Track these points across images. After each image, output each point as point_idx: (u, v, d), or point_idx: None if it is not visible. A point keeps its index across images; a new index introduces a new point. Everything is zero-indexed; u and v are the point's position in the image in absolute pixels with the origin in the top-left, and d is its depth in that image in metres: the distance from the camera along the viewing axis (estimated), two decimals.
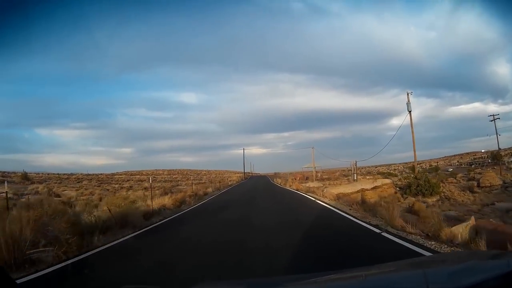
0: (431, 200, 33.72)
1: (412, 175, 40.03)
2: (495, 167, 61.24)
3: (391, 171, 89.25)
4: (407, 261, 3.21)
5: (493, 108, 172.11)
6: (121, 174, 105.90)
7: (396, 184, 43.03)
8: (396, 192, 36.14)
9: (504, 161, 74.20)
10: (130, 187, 55.10)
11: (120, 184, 65.49)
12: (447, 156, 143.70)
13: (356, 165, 53.24)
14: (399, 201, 31.46)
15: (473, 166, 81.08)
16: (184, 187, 54.30)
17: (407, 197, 34.06)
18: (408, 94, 36.39)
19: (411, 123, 35.83)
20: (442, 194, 36.62)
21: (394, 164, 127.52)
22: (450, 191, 38.01)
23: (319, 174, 76.34)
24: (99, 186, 57.58)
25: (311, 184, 43.19)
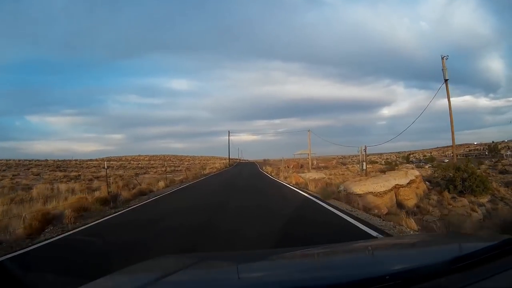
0: (482, 200, 23.14)
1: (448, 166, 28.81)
2: (492, 159, 60.23)
3: (384, 161, 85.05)
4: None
5: (484, 102, 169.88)
6: (98, 160, 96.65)
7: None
8: (429, 189, 25.40)
9: (502, 154, 75.87)
10: (78, 176, 43.66)
11: (77, 170, 54.83)
12: (440, 147, 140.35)
13: (366, 151, 42.92)
14: (449, 204, 20.87)
15: (469, 157, 74.02)
16: (152, 175, 45.51)
17: (454, 197, 23.17)
18: (443, 58, 27.03)
19: (448, 95, 26.49)
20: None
21: (386, 153, 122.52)
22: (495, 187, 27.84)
23: (314, 162, 66.19)
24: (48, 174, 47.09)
25: (311, 175, 32.52)
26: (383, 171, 30.81)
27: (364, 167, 39.83)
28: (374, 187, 17.68)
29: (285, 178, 28.56)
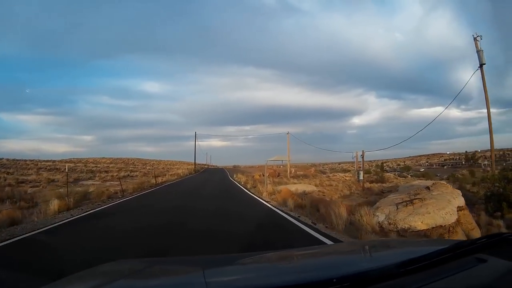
0: None
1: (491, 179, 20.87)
2: (472, 168, 58.22)
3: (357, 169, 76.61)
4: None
5: (455, 113, 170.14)
6: (56, 162, 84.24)
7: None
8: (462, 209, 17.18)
9: (480, 163, 76.00)
10: None
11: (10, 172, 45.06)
12: (413, 156, 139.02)
13: (363, 157, 35.08)
14: None
15: (445, 167, 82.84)
16: (95, 181, 38.11)
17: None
18: (476, 39, 22.07)
19: (484, 83, 21.63)
20: None
21: (359, 161, 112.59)
22: None
23: (292, 170, 58.15)
24: None
25: (297, 187, 25.38)
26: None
27: (361, 177, 32.05)
28: (441, 214, 9.88)
29: (270, 194, 19.40)
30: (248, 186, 26.98)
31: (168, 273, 2.06)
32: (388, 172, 71.46)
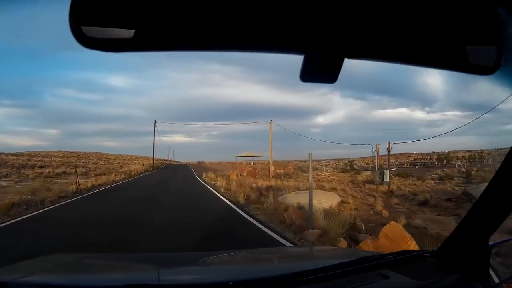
0: None
1: None
2: (444, 169, 61.59)
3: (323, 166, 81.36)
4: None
5: (420, 114, 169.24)
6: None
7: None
8: None
9: (454, 163, 75.47)
10: None
11: None
12: (380, 156, 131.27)
13: (389, 151, 26.20)
14: None
15: (417, 166, 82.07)
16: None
17: None
18: None
19: None
20: None
21: (323, 160, 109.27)
22: None
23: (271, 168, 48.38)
24: None
25: (320, 199, 15.91)
26: None
27: (387, 178, 22.68)
28: None
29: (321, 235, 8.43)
30: (241, 200, 14.97)
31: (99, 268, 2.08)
32: (357, 170, 70.06)
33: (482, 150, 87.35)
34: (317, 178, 42.37)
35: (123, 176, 29.80)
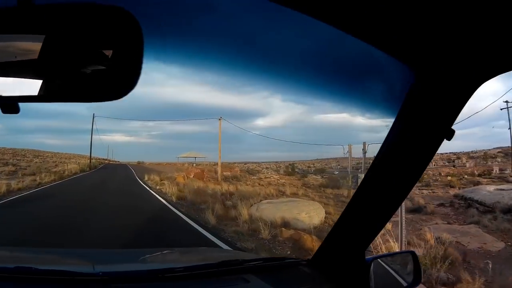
0: None
1: None
2: None
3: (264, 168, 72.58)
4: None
5: (360, 120, 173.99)
6: None
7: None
8: None
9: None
10: None
11: None
12: (320, 160, 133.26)
13: (365, 153, 24.62)
14: None
15: (360, 170, 69.38)
16: None
17: None
18: None
19: None
20: None
21: (264, 162, 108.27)
22: None
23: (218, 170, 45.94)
24: None
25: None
26: None
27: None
28: None
29: None
30: (210, 219, 11.20)
31: None
32: (299, 173, 59.87)
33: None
34: (267, 181, 40.66)
35: (52, 177, 24.97)
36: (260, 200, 15.93)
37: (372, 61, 1.34)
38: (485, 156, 78.41)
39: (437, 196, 23.79)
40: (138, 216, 10.92)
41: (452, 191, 26.02)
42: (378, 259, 1.85)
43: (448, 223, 14.80)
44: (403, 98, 1.38)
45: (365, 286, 1.66)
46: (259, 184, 35.14)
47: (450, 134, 1.35)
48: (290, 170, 70.43)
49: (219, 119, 39.51)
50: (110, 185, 21.18)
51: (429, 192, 27.19)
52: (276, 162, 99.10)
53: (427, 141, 1.41)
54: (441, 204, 19.02)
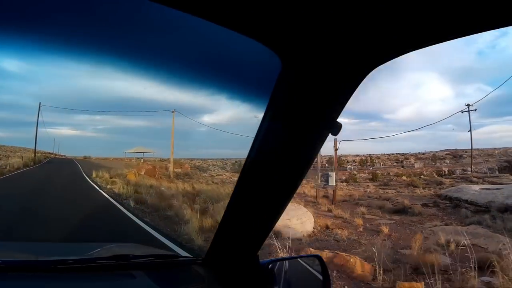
0: None
1: None
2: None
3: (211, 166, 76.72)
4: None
5: None
6: None
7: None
8: None
9: (346, 167, 76.04)
10: None
11: None
12: (239, 158, 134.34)
13: (337, 150, 22.63)
14: None
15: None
16: None
17: None
18: None
19: None
20: None
21: (209, 159, 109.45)
22: None
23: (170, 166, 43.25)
24: None
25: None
26: None
27: (333, 182, 19.93)
28: None
29: None
30: (196, 241, 7.96)
31: None
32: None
33: (370, 154, 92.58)
34: (220, 179, 39.14)
35: None
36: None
37: (238, 48, 1.26)
38: (434, 157, 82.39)
39: (409, 196, 23.13)
40: (89, 234, 7.44)
41: (419, 191, 25.78)
42: (278, 262, 1.85)
43: (446, 224, 13.94)
44: (272, 88, 1.21)
45: None
46: (213, 182, 33.91)
47: (335, 128, 1.23)
48: (237, 167, 70.29)
49: (173, 112, 37.06)
50: (55, 183, 17.76)
51: (395, 192, 26.51)
52: (222, 159, 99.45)
53: (306, 134, 1.27)
54: (425, 204, 18.23)
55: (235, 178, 22.93)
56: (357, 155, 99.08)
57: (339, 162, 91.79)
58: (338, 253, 7.31)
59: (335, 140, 22.61)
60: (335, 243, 9.89)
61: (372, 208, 17.41)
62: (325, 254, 7.20)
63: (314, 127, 1.25)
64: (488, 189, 18.75)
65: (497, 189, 18.37)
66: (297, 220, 10.44)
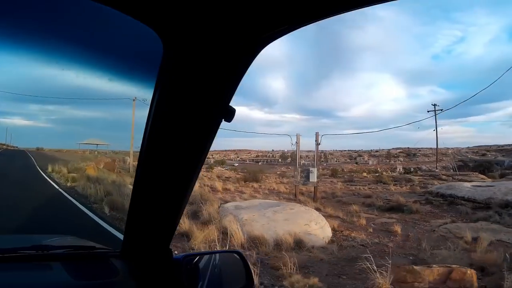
0: None
1: None
2: (289, 167, 60.78)
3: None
4: None
5: (258, 114, 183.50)
6: None
7: None
8: None
9: (300, 162, 72.29)
10: None
11: None
12: (218, 150, 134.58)
13: (319, 144, 21.52)
14: None
15: (260, 163, 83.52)
16: None
17: None
18: None
19: None
20: None
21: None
22: None
23: (128, 159, 40.41)
24: None
25: None
26: None
27: (314, 179, 18.76)
28: None
29: None
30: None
31: None
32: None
33: (323, 151, 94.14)
34: None
35: None
36: (221, 204, 12.34)
37: (124, 31, 1.24)
38: (388, 155, 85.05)
39: (386, 193, 22.93)
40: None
41: (393, 188, 25.71)
42: (197, 257, 1.84)
43: (453, 221, 13.43)
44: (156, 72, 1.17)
45: (173, 284, 1.59)
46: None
47: (228, 114, 1.19)
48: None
49: (133, 100, 34.32)
50: (2, 183, 13.38)
51: (367, 189, 26.18)
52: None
53: (195, 120, 1.21)
54: (416, 201, 17.90)
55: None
56: (309, 151, 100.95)
57: (293, 158, 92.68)
58: (451, 267, 6.14)
59: (317, 134, 21.67)
60: (363, 249, 8.82)
61: (358, 205, 16.73)
62: (436, 271, 6.01)
63: (203, 111, 1.18)
64: (479, 186, 18.84)
65: (488, 186, 18.60)
66: (315, 224, 9.25)
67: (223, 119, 1.20)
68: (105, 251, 1.82)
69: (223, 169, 60.33)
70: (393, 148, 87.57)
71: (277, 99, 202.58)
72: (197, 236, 7.55)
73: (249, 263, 1.82)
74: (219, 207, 11.48)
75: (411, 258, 8.57)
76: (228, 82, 1.11)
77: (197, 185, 21.48)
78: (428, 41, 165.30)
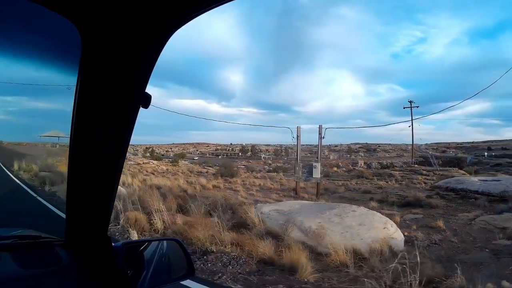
0: None
1: None
2: (250, 160, 62.94)
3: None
4: None
5: (216, 107, 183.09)
6: None
7: None
8: None
9: (260, 156, 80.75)
10: None
11: None
12: (177, 144, 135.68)
13: (323, 138, 20.06)
14: None
15: (220, 157, 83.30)
16: None
17: None
18: None
19: None
20: None
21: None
22: None
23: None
24: None
25: None
26: None
27: (317, 174, 17.76)
28: None
29: None
30: None
31: None
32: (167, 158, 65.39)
33: (281, 145, 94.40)
34: (151, 168, 35.32)
35: None
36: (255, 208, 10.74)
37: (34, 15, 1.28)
38: (349, 150, 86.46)
39: (378, 187, 22.48)
40: None
41: (382, 183, 25.51)
42: (136, 244, 1.86)
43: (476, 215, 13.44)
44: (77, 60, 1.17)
45: (113, 272, 1.56)
46: (148, 172, 30.30)
47: (145, 100, 1.22)
48: (149, 154, 66.93)
49: (69, 89, 32.19)
50: None
51: (355, 184, 25.77)
52: (132, 145, 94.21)
53: (116, 108, 1.21)
54: (428, 197, 17.84)
55: (163, 166, 20.14)
56: (268, 145, 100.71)
57: (253, 151, 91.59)
58: None
59: (320, 127, 20.60)
60: (442, 248, 7.96)
61: (366, 201, 16.36)
62: None
63: (121, 98, 1.19)
64: (486, 180, 19.35)
65: (494, 180, 19.29)
66: (391, 226, 8.07)
67: (140, 106, 1.20)
68: (49, 240, 1.73)
69: (187, 163, 58.33)
70: (351, 143, 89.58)
71: (235, 92, 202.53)
72: (302, 265, 6.07)
73: (189, 253, 1.80)
74: (259, 214, 9.77)
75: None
76: (142, 67, 1.10)
77: (185, 183, 19.69)
78: (389, 40, 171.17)
